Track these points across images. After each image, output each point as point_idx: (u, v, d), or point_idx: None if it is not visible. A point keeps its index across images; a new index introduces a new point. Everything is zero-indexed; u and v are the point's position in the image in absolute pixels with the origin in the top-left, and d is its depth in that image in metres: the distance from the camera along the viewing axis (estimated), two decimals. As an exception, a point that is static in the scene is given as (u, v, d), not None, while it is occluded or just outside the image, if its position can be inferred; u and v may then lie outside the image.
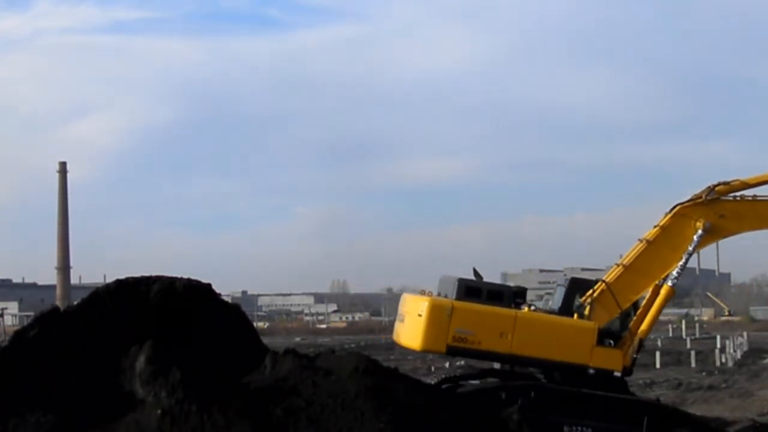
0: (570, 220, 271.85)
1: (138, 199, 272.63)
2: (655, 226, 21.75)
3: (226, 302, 20.40)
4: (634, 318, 21.70)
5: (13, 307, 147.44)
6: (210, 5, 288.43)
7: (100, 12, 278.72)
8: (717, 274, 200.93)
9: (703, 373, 47.59)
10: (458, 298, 20.92)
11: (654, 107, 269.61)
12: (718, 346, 61.22)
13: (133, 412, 16.93)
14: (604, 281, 21.50)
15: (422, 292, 21.82)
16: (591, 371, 20.82)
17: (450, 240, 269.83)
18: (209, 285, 19.72)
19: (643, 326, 21.55)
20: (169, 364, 17.26)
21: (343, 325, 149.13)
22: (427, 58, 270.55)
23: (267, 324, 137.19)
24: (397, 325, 22.42)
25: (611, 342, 21.18)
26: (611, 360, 20.96)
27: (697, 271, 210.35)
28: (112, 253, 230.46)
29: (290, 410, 17.02)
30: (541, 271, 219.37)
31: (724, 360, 56.48)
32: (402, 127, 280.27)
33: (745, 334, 74.54)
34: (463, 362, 63.39)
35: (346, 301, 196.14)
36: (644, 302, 21.89)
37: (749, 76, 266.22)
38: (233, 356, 18.48)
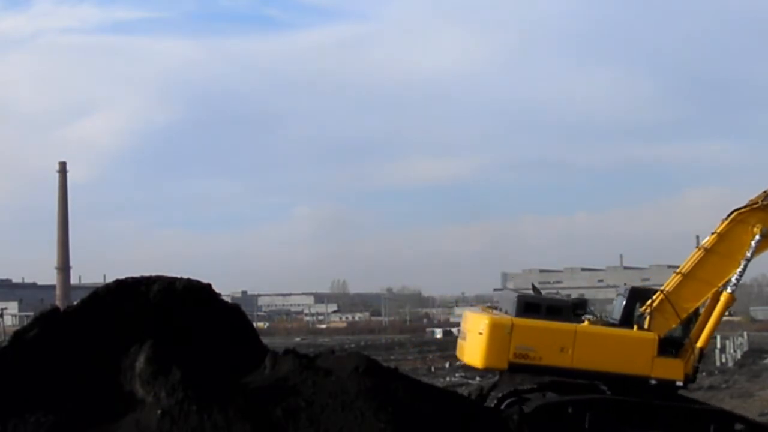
0: (570, 220, 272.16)
1: (138, 199, 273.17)
2: (712, 233, 21.60)
3: (226, 302, 20.39)
4: (695, 326, 21.56)
5: (13, 307, 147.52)
6: (210, 5, 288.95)
7: (100, 12, 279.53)
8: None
9: (704, 373, 47.55)
10: (518, 314, 21.06)
11: (654, 107, 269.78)
12: (718, 346, 61.21)
13: (133, 412, 16.92)
14: (662, 291, 21.37)
15: (484, 309, 22.07)
16: (653, 382, 20.80)
17: (450, 240, 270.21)
18: (209, 285, 19.71)
19: (704, 335, 21.39)
20: (169, 364, 17.25)
21: (343, 325, 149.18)
22: (426, 58, 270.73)
23: (267, 324, 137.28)
24: (460, 343, 22.63)
25: (673, 351, 21.09)
26: (673, 370, 20.91)
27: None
28: (112, 253, 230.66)
29: (290, 410, 17.01)
30: (541, 271, 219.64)
31: (724, 360, 56.54)
32: (402, 127, 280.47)
33: (745, 334, 74.58)
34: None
35: (346, 301, 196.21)
36: (704, 310, 21.72)
37: (749, 76, 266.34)
38: (233, 356, 18.47)
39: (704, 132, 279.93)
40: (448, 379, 48.12)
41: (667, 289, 21.39)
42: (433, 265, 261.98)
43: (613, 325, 21.59)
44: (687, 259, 21.79)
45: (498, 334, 20.68)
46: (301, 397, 17.34)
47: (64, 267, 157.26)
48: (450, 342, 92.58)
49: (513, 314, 21.08)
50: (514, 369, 21.04)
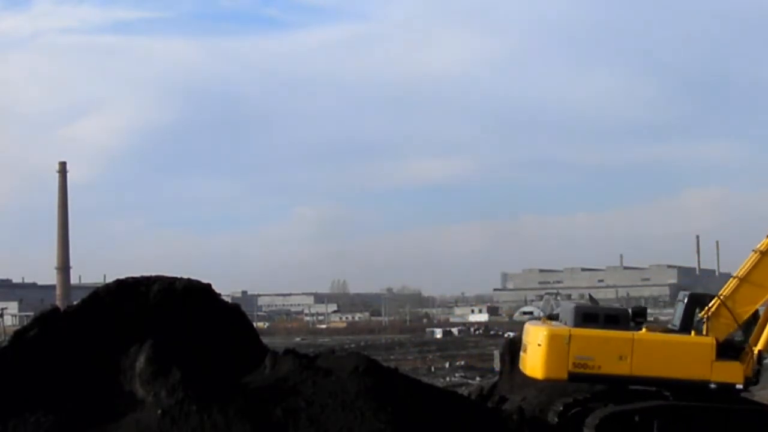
0: (570, 220, 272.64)
1: (138, 199, 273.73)
2: (767, 236, 21.57)
3: (226, 302, 20.38)
4: (754, 330, 21.53)
5: (13, 307, 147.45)
6: (210, 5, 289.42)
7: (101, 12, 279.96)
8: (717, 274, 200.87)
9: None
10: (576, 325, 21.29)
11: (654, 107, 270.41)
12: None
13: (133, 412, 16.93)
14: (720, 295, 21.38)
15: (544, 321, 22.53)
16: (712, 386, 20.83)
17: (450, 240, 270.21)
18: (209, 285, 19.71)
19: (763, 337, 21.35)
20: (169, 364, 17.25)
21: (343, 325, 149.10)
22: (427, 58, 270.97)
23: (267, 324, 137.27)
24: (521, 356, 22.92)
25: (734, 355, 21.06)
26: (732, 373, 20.90)
27: (697, 271, 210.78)
28: (112, 253, 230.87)
29: (290, 410, 17.01)
30: (541, 271, 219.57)
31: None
32: (402, 127, 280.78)
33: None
34: (463, 362, 63.03)
35: (346, 301, 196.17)
36: (763, 313, 21.71)
37: (748, 77, 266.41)
38: (233, 356, 18.47)
39: (704, 132, 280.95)
40: (448, 379, 48.15)
41: (724, 293, 21.41)
42: (433, 265, 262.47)
43: (672, 331, 21.72)
44: (743, 263, 21.83)
45: (556, 345, 20.97)
46: (301, 397, 17.33)
47: (64, 267, 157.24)
48: (450, 342, 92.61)
49: (571, 325, 21.31)
50: (574, 379, 21.26)
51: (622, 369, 20.83)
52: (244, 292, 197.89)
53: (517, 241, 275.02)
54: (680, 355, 21.02)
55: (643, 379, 21.05)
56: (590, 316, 21.51)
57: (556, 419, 21.35)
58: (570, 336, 20.94)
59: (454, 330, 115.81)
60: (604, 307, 22.58)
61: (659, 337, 21.44)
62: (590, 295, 23.25)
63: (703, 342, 20.99)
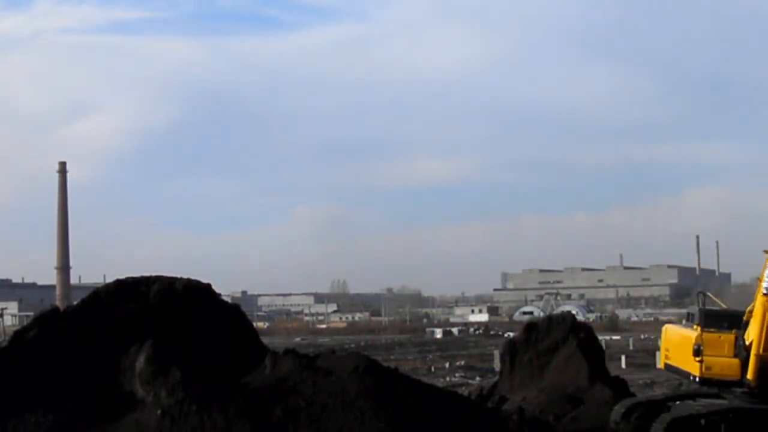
0: (570, 220, 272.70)
1: (138, 199, 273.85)
2: None
3: (226, 302, 20.37)
4: None
5: (13, 307, 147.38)
6: (210, 5, 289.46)
7: (100, 12, 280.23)
8: (717, 274, 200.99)
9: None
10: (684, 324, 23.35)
11: (654, 107, 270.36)
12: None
13: (133, 412, 16.93)
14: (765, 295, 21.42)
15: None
16: (693, 378, 21.55)
17: (450, 240, 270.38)
18: (209, 285, 19.70)
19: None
20: (169, 364, 17.25)
21: (343, 325, 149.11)
22: (427, 58, 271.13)
23: (267, 324, 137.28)
24: None
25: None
26: (693, 368, 21.31)
27: (698, 271, 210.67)
28: (112, 253, 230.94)
29: (290, 410, 17.01)
30: (541, 271, 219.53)
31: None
32: (402, 127, 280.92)
33: (745, 334, 74.29)
34: (463, 362, 63.02)
35: (346, 301, 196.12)
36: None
37: (749, 76, 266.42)
38: (233, 356, 18.47)
39: (704, 132, 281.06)
40: (448, 379, 48.14)
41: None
42: (433, 265, 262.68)
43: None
44: None
45: (662, 340, 23.82)
46: (301, 397, 17.33)
47: (64, 267, 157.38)
48: (450, 342, 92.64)
49: None
50: (666, 368, 23.42)
51: (667, 359, 22.86)
52: (244, 292, 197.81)
53: (517, 241, 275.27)
54: (678, 347, 22.12)
55: (672, 368, 22.64)
56: (689, 315, 23.09)
57: (618, 420, 21.69)
58: (665, 331, 23.68)
59: (454, 330, 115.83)
60: (702, 308, 22.86)
61: (675, 330, 22.89)
62: (701, 292, 23.79)
63: (689, 336, 21.49)
